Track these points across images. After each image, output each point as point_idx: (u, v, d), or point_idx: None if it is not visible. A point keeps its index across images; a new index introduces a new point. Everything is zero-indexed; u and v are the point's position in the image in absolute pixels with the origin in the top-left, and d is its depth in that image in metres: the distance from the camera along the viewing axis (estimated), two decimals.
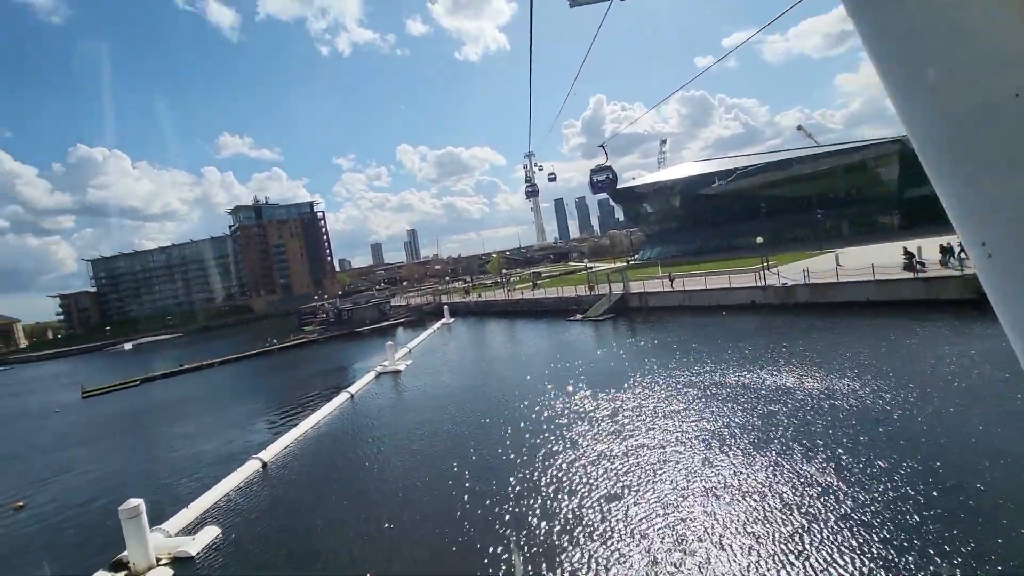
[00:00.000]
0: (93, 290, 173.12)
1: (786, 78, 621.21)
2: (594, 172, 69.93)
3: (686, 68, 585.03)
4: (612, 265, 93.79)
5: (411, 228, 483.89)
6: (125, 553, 14.51)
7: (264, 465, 21.15)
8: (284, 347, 62.53)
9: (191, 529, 16.30)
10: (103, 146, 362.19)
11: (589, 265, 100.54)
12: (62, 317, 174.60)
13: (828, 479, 13.08)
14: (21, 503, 21.41)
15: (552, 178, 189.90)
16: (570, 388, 25.09)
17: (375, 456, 20.81)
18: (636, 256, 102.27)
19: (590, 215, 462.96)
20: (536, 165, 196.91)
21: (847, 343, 25.12)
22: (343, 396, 29.79)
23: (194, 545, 15.21)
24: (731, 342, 28.73)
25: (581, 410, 21.66)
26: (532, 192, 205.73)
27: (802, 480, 13.26)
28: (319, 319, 77.72)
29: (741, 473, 14.14)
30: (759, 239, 36.90)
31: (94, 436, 31.78)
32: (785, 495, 12.69)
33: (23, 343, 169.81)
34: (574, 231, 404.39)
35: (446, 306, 63.64)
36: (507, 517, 13.84)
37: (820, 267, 40.91)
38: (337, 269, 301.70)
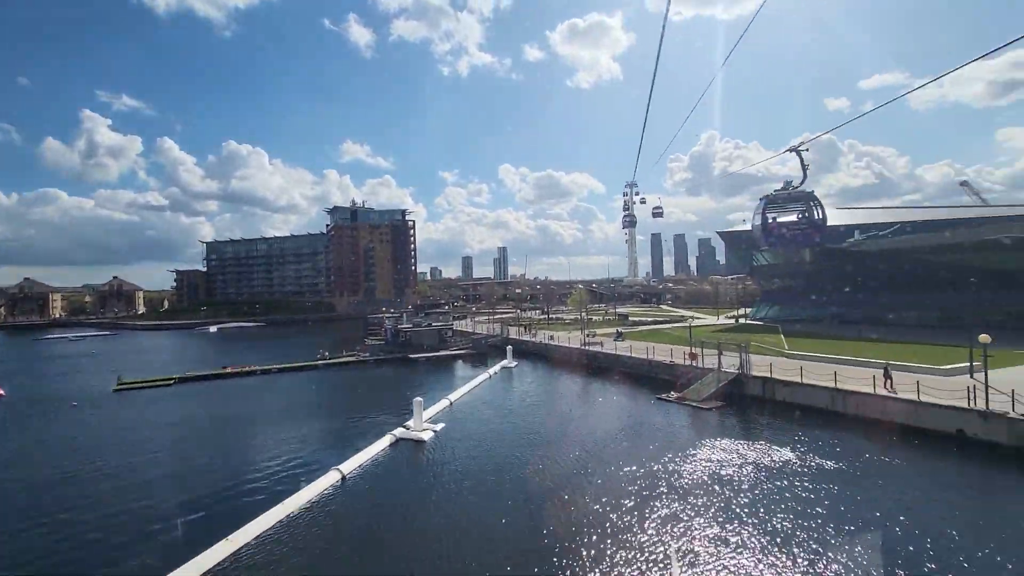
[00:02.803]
0: (203, 270, 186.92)
1: (934, 128, 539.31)
2: (771, 206, 43.58)
3: (814, 109, 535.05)
4: (715, 320, 79.52)
5: (502, 246, 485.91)
6: None
7: None
8: (331, 363, 57.05)
9: None
10: (248, 143, 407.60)
11: (689, 316, 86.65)
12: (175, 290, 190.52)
13: None
14: None
15: (658, 213, 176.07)
16: (651, 534, 14.52)
17: None
18: (746, 311, 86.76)
19: (688, 254, 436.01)
20: (638, 196, 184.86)
21: None
22: (331, 477, 21.51)
23: None
24: (940, 514, 16.46)
25: None
26: (630, 222, 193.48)
27: None
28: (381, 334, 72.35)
29: None
30: (985, 338, 23.33)
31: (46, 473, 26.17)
32: None
33: (141, 309, 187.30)
34: (668, 269, 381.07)
35: (509, 347, 54.52)
36: None
37: None
38: (428, 277, 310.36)
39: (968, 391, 24.14)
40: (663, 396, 34.97)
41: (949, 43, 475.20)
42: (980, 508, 17.96)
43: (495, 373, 47.31)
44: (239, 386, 46.61)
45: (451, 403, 35.30)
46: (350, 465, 22.73)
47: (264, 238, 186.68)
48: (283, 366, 54.32)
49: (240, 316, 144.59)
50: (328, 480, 21.23)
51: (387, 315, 74.52)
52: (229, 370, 52.22)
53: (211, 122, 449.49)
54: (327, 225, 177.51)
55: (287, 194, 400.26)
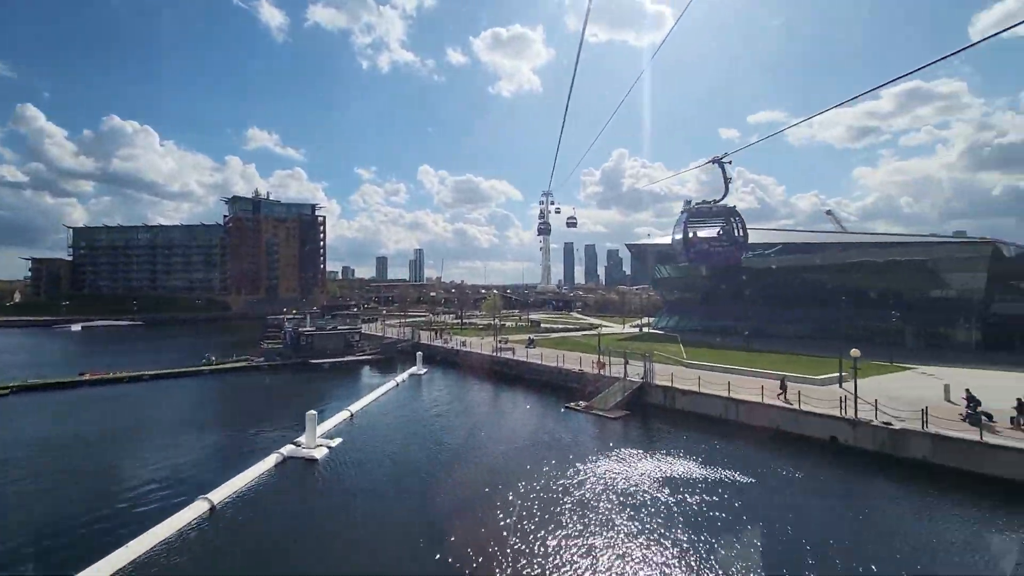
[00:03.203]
0: (69, 259, 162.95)
1: (806, 162, 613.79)
2: (693, 219, 40.31)
3: (710, 136, 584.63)
4: (622, 328, 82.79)
5: (419, 248, 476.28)
6: None
7: None
8: (218, 369, 51.33)
9: None
10: (135, 120, 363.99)
11: (598, 324, 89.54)
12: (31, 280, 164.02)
13: None
14: None
15: (572, 223, 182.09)
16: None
17: None
18: (650, 320, 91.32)
19: (597, 264, 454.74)
20: (553, 205, 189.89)
21: None
22: (197, 508, 18.55)
23: None
24: (812, 517, 17.53)
25: None
26: (545, 229, 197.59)
27: None
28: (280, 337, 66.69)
29: None
30: (856, 352, 25.81)
31: None
32: None
33: None
34: (579, 277, 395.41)
35: (419, 353, 52.44)
36: None
37: (909, 392, 30.23)
38: (340, 276, 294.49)
39: (840, 401, 26.41)
40: (571, 405, 35.02)
41: (822, 89, 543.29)
42: (851, 510, 19.33)
43: (403, 381, 45.08)
44: (99, 397, 40.15)
45: (352, 415, 32.75)
46: (223, 492, 19.79)
47: (147, 226, 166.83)
48: (158, 372, 47.93)
49: (113, 313, 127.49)
50: (192, 512, 18.25)
51: (288, 316, 68.98)
52: (87, 377, 44.98)
53: (89, 93, 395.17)
54: (225, 216, 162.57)
55: (180, 179, 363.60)
